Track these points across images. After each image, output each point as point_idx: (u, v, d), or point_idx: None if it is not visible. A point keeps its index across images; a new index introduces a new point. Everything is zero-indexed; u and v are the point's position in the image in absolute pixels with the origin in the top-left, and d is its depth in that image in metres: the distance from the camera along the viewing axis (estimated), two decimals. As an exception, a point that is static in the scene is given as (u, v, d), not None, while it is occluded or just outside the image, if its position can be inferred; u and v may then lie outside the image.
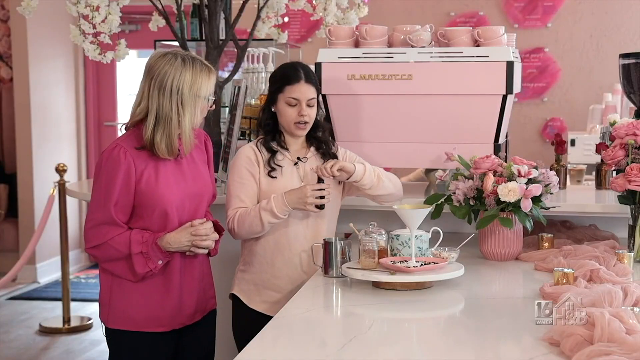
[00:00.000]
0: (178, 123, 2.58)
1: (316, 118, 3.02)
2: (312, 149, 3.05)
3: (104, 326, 2.71)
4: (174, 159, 2.66)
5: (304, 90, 2.93)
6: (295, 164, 3.00)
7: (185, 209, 2.67)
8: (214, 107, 2.71)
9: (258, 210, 2.87)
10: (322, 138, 3.06)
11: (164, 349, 2.71)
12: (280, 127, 3.01)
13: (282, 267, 2.97)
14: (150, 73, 2.60)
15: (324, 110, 3.10)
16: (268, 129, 3.01)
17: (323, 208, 2.88)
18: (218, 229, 2.73)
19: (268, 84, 3.06)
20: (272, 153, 2.97)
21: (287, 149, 3.01)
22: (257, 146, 3.00)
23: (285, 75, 2.96)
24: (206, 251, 2.70)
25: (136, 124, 2.63)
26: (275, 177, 2.95)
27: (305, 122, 2.95)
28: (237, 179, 2.95)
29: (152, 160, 2.61)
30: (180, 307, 2.70)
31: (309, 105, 2.94)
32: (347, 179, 2.96)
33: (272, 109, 2.99)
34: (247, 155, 2.97)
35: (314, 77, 2.99)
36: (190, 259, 2.72)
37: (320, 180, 2.89)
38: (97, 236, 2.58)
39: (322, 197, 2.85)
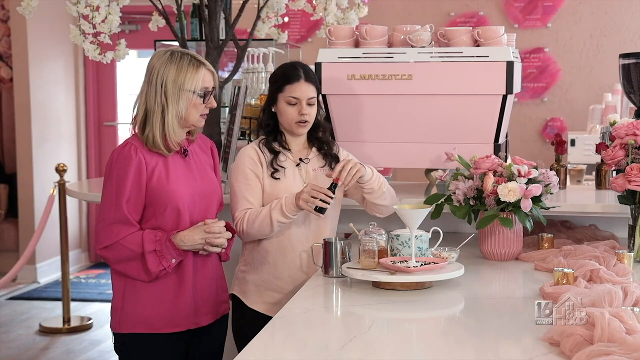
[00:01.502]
0: (162, 116, 2.59)
1: (317, 118, 3.02)
2: (314, 149, 3.05)
3: (113, 335, 2.69)
4: (182, 158, 2.67)
5: (304, 89, 2.93)
6: (298, 164, 3.00)
7: (196, 207, 2.67)
8: (213, 104, 2.70)
9: (269, 210, 2.86)
10: (323, 139, 3.06)
11: (175, 351, 2.70)
12: (281, 127, 3.01)
13: (284, 269, 2.97)
14: (146, 71, 2.65)
15: (324, 110, 3.10)
16: (269, 130, 3.00)
17: (323, 212, 2.83)
18: (230, 230, 2.73)
19: (268, 85, 3.06)
20: (275, 154, 2.97)
21: (289, 150, 3.01)
22: (259, 147, 2.99)
23: (285, 75, 2.96)
24: (219, 249, 2.69)
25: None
26: (279, 178, 2.95)
27: (306, 121, 2.95)
28: (242, 180, 2.94)
29: (161, 158, 2.62)
30: (194, 307, 2.70)
31: (309, 104, 2.94)
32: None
33: (273, 109, 2.99)
34: (250, 156, 2.96)
35: (314, 76, 2.99)
36: (203, 259, 2.72)
37: (331, 186, 2.84)
38: (108, 236, 2.57)
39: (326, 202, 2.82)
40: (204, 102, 2.64)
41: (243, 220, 2.89)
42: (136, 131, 2.64)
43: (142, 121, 2.61)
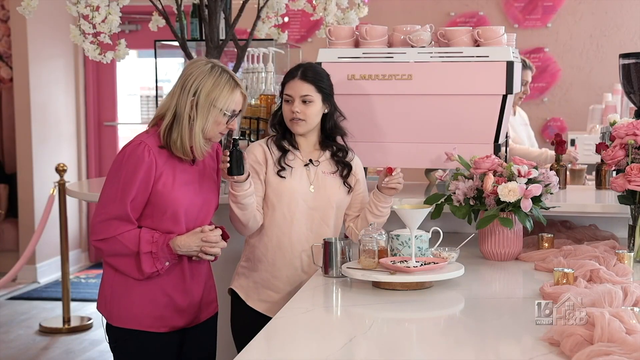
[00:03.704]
0: (189, 126, 2.59)
1: (333, 121, 3.01)
2: (327, 153, 3.04)
3: (104, 322, 2.70)
4: (190, 165, 2.67)
5: (296, 87, 2.94)
6: (307, 165, 3.00)
7: (194, 215, 2.68)
8: (234, 126, 2.68)
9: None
10: (339, 145, 3.06)
11: (166, 350, 2.71)
12: None
13: (282, 268, 2.97)
14: (182, 74, 2.65)
15: (343, 114, 3.07)
16: (281, 128, 3.01)
17: (233, 174, 2.74)
18: (224, 236, 2.73)
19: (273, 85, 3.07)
20: (283, 152, 2.97)
21: (298, 149, 3.00)
22: (267, 144, 2.99)
23: (287, 74, 3.00)
24: (213, 258, 2.70)
25: (158, 122, 2.65)
26: (284, 177, 2.95)
27: (300, 119, 2.95)
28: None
29: (170, 162, 2.63)
30: (183, 309, 2.71)
31: (303, 102, 2.94)
32: (389, 195, 2.99)
33: None
34: (254, 152, 2.97)
35: (315, 76, 2.97)
36: (196, 262, 2.72)
37: (232, 148, 2.74)
38: (106, 230, 2.57)
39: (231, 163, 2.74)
40: (227, 123, 2.65)
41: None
42: (157, 131, 2.62)
43: (170, 124, 2.60)
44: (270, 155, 2.96)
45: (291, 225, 2.95)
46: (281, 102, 3.02)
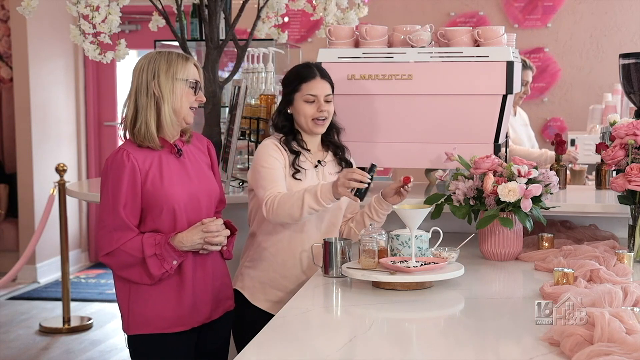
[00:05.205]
0: (156, 107, 2.61)
1: (332, 119, 3.03)
2: (330, 153, 3.06)
3: (126, 337, 2.72)
4: (176, 158, 2.68)
5: (320, 86, 2.96)
6: (316, 166, 3.00)
7: (193, 208, 2.68)
8: (203, 98, 2.71)
9: (302, 193, 2.79)
10: (338, 143, 3.07)
11: (184, 349, 2.72)
12: (297, 127, 3.00)
13: (292, 268, 2.98)
14: (134, 73, 2.68)
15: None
16: (285, 131, 3.00)
17: (362, 197, 2.72)
18: (230, 228, 2.73)
19: (282, 87, 3.05)
20: (295, 154, 2.97)
21: (308, 150, 3.01)
22: (280, 144, 2.98)
23: (300, 74, 2.98)
24: (219, 248, 2.70)
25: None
26: (300, 179, 2.95)
27: (325, 118, 2.96)
28: (271, 165, 2.89)
29: (155, 160, 2.63)
30: (196, 306, 2.71)
31: (326, 101, 2.96)
32: (394, 203, 2.95)
33: (289, 111, 2.99)
34: (275, 144, 2.94)
35: (328, 74, 3.02)
36: (203, 258, 2.72)
37: (370, 170, 2.76)
38: (109, 243, 2.58)
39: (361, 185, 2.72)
40: (195, 94, 2.67)
41: (275, 200, 2.81)
42: (126, 133, 2.66)
43: (133, 118, 2.63)
44: (287, 157, 2.96)
45: (303, 227, 2.96)
46: (284, 101, 3.00)
